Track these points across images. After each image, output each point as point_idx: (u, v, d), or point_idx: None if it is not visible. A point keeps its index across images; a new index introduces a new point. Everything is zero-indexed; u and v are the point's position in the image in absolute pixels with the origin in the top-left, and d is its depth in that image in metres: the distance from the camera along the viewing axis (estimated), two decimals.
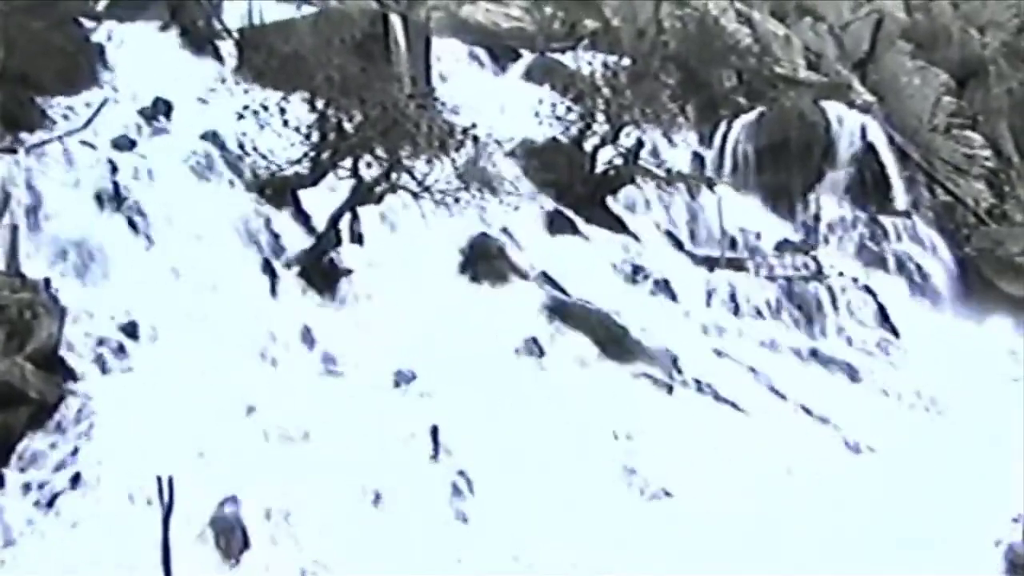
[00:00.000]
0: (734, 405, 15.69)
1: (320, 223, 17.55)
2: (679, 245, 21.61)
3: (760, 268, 20.70)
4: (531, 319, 17.08)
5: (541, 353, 16.10)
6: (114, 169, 17.63)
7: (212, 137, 18.97)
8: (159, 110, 19.92)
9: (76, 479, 11.83)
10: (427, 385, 14.65)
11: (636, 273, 19.72)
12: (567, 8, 28.55)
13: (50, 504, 11.57)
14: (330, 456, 12.67)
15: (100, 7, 23.59)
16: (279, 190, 18.15)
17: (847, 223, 23.09)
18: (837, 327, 19.41)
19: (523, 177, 21.50)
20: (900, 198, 23.92)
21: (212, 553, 11.14)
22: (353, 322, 16.22)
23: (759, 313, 19.39)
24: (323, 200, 17.79)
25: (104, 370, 13.85)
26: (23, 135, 17.65)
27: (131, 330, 14.60)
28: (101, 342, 14.19)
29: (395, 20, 22.85)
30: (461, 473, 12.69)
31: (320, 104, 17.42)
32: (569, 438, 13.86)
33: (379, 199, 17.69)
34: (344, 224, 17.51)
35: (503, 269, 18.26)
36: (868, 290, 20.24)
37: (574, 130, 21.82)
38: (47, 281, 14.02)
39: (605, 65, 22.93)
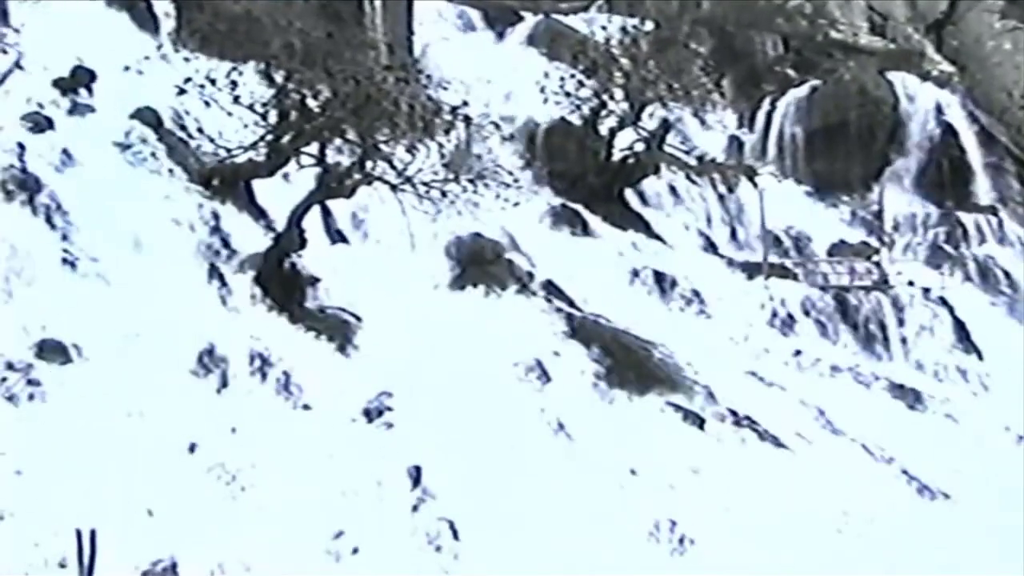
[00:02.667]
0: (779, 442, 15.67)
1: (279, 221, 17.53)
2: (713, 248, 21.67)
3: (811, 275, 20.77)
4: (533, 337, 17.07)
5: (546, 379, 16.10)
6: (24, 153, 17.62)
7: (146, 115, 18.99)
8: (80, 81, 19.89)
9: None
10: (407, 417, 14.59)
11: (661, 282, 19.75)
12: None
13: None
14: (289, 502, 12.60)
15: None
16: (229, 181, 18.16)
17: (918, 221, 23.19)
18: (905, 348, 19.44)
19: (525, 166, 21.56)
20: (984, 190, 23.98)
21: None
22: (318, 341, 16.20)
23: (810, 331, 19.42)
24: (282, 193, 17.78)
25: (12, 399, 13.73)
26: None
27: (45, 351, 14.52)
28: (8, 365, 14.09)
29: None
30: (447, 523, 12.65)
31: (278, 77, 17.41)
32: (579, 480, 13.83)
33: (350, 192, 17.65)
34: (309, 222, 17.48)
35: (500, 277, 18.29)
36: (944, 303, 20.24)
37: (586, 109, 21.90)
38: None
39: (624, 30, 23.01)
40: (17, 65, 19.37)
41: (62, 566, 11.04)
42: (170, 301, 15.97)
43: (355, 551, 12.16)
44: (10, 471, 12.43)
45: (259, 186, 18.28)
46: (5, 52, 19.90)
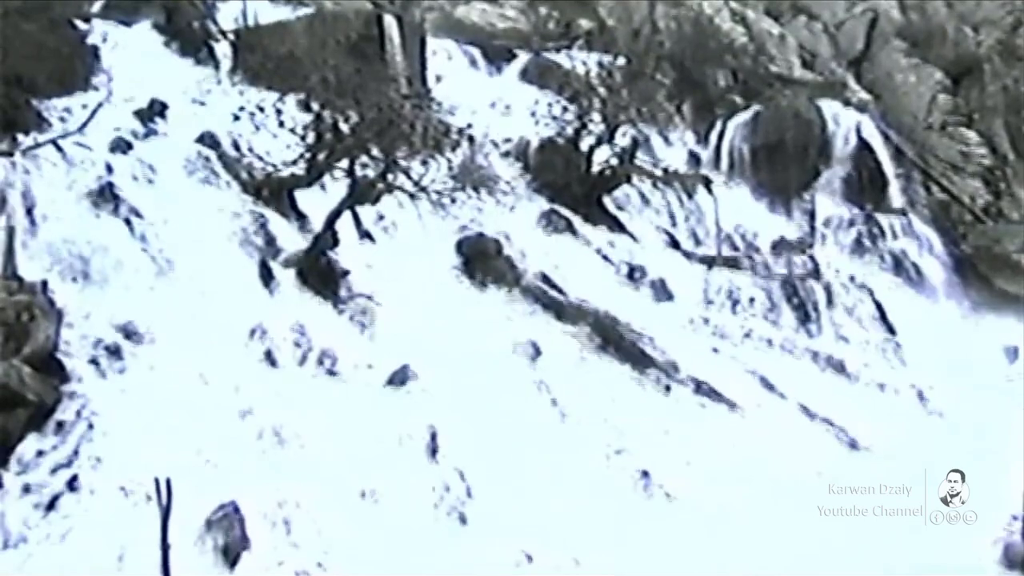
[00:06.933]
0: (732, 404, 15.71)
1: (317, 224, 17.55)
2: (676, 244, 21.62)
3: (757, 267, 20.72)
4: (528, 319, 17.14)
5: (538, 353, 16.11)
6: (110, 171, 17.64)
7: (208, 139, 18.98)
8: (155, 112, 19.91)
9: (75, 481, 11.88)
10: (424, 385, 14.66)
11: (633, 272, 19.72)
12: (562, 8, 28.51)
13: (49, 506, 11.60)
14: (327, 457, 12.72)
15: (94, 9, 23.52)
16: (275, 191, 18.16)
17: (843, 221, 23.12)
18: (834, 326, 19.43)
19: (519, 177, 21.52)
20: (896, 196, 23.94)
21: (211, 554, 11.16)
22: (350, 322, 16.22)
23: (756, 312, 19.40)
24: (319, 201, 17.79)
25: (101, 372, 13.82)
26: (19, 137, 17.62)
27: (128, 332, 14.58)
28: (98, 344, 14.17)
29: (390, 21, 22.82)
30: (459, 473, 12.72)
31: (316, 105, 17.42)
32: (567, 438, 13.92)
33: (375, 199, 17.70)
34: (341, 224, 17.49)
35: (500, 269, 18.29)
36: (865, 288, 20.27)
37: (570, 130, 21.78)
38: (44, 283, 14.03)
39: (600, 65, 22.91)
40: (106, 100, 19.39)
41: (149, 499, 11.05)
42: (227, 291, 16.01)
43: (381, 497, 12.23)
44: (103, 430, 12.55)
45: (300, 195, 18.26)
46: (96, 89, 19.90)
